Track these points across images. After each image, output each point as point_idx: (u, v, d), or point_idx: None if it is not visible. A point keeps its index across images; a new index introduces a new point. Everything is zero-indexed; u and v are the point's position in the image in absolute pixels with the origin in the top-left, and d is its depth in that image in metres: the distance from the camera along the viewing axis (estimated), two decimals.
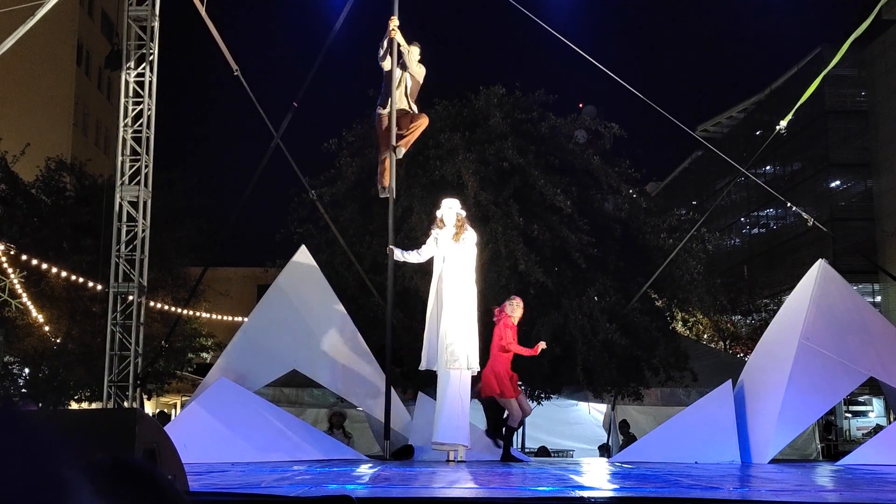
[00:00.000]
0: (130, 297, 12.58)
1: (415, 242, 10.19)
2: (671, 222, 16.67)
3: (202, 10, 11.51)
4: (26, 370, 18.97)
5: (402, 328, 13.59)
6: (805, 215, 14.18)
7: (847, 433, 29.26)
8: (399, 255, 9.88)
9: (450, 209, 9.57)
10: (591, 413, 18.11)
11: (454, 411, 9.20)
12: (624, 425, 15.71)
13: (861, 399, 31.77)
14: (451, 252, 9.39)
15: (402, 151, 10.25)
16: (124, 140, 12.82)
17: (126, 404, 12.25)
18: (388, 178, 10.23)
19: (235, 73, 11.45)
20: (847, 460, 10.43)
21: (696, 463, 9.33)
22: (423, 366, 9.53)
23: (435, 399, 9.68)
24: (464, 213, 9.67)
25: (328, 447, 10.02)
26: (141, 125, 12.82)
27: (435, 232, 9.58)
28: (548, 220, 14.03)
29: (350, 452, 10.18)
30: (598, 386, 14.82)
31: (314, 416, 14.85)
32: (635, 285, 14.36)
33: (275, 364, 10.87)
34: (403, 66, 10.18)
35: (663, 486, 5.66)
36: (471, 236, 9.51)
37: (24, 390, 18.65)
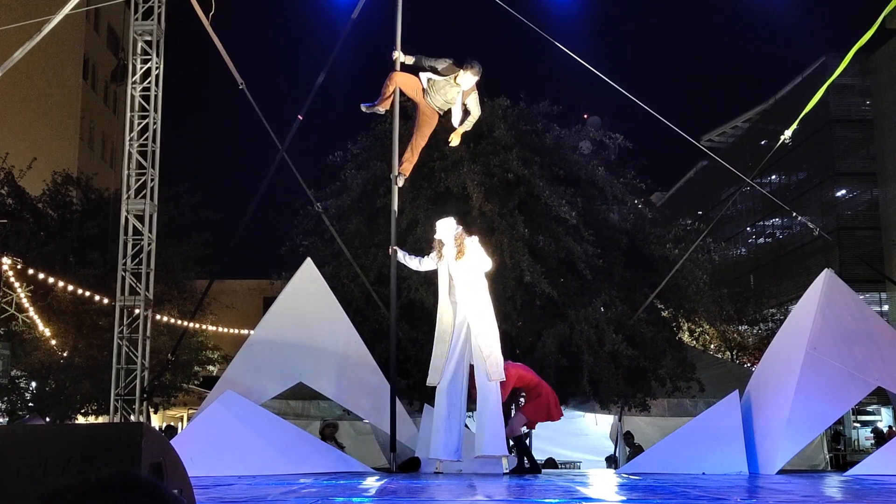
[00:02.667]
0: (137, 311, 12.61)
1: (420, 254, 10.16)
2: (676, 232, 16.67)
3: (207, 25, 11.56)
4: (33, 384, 18.98)
5: (408, 340, 13.59)
6: (811, 225, 14.18)
7: (855, 443, 29.12)
8: (401, 256, 9.87)
9: (446, 230, 9.33)
10: (598, 424, 18.07)
11: (498, 423, 9.18)
12: (628, 436, 15.68)
13: (869, 409, 31.64)
14: (459, 271, 9.28)
15: (402, 180, 10.17)
16: (130, 154, 12.87)
17: (133, 418, 12.25)
18: (385, 105, 9.90)
19: (241, 87, 11.49)
20: (855, 470, 10.38)
21: (703, 474, 9.30)
22: (431, 381, 9.45)
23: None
24: (460, 229, 9.39)
25: (335, 460, 10.01)
26: (147, 139, 12.87)
27: (434, 255, 9.44)
28: (553, 231, 14.03)
29: (357, 465, 10.16)
30: (605, 397, 14.80)
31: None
32: (641, 296, 14.35)
33: (281, 377, 10.86)
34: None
35: (670, 498, 5.64)
36: (473, 248, 9.27)
37: (30, 404, 18.66)
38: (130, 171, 12.85)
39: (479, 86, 9.73)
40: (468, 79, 9.51)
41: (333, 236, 12.81)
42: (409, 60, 9.86)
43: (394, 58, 9.91)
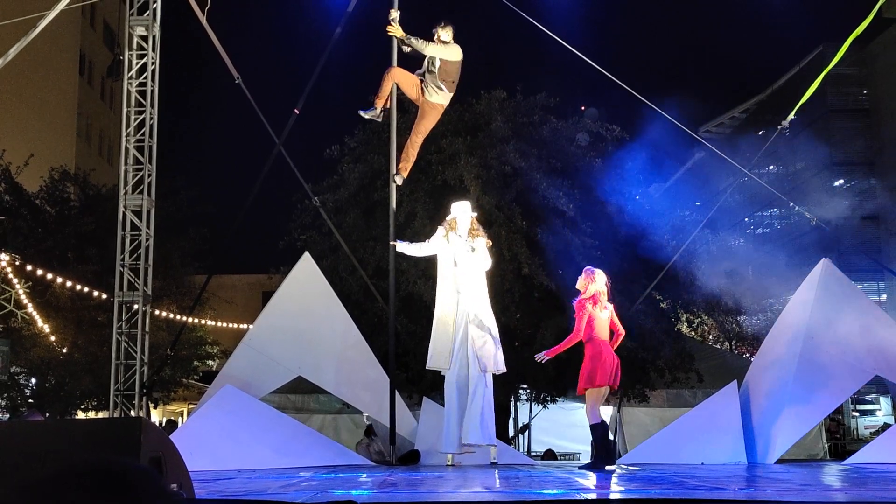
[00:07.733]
0: (135, 306, 12.59)
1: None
2: (674, 223, 16.65)
3: (203, 19, 11.54)
4: (33, 380, 18.99)
5: (407, 333, 13.59)
6: (808, 215, 14.18)
7: (854, 432, 29.19)
8: (401, 247, 9.93)
9: (463, 212, 9.55)
10: None
11: (487, 413, 9.20)
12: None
13: (868, 398, 31.72)
14: (464, 255, 9.36)
15: (400, 179, 10.20)
16: (127, 149, 12.84)
17: (132, 413, 12.26)
18: (383, 102, 10.10)
19: (237, 81, 11.47)
20: (854, 459, 10.41)
21: (702, 464, 9.33)
22: (429, 365, 9.50)
23: (440, 403, 9.68)
24: (475, 215, 9.65)
25: (334, 453, 10.03)
26: (143, 134, 12.84)
27: (442, 231, 9.52)
28: (550, 223, 14.04)
29: (356, 458, 10.18)
30: None
31: (320, 423, 14.86)
32: (639, 287, 14.35)
33: (280, 371, 10.88)
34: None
35: (669, 488, 5.66)
36: (482, 241, 9.48)
37: (30, 400, 18.67)
38: (127, 166, 12.83)
39: (456, 40, 9.93)
40: (446, 34, 9.82)
41: (331, 230, 12.81)
42: (398, 33, 10.01)
43: (390, 17, 10.04)
